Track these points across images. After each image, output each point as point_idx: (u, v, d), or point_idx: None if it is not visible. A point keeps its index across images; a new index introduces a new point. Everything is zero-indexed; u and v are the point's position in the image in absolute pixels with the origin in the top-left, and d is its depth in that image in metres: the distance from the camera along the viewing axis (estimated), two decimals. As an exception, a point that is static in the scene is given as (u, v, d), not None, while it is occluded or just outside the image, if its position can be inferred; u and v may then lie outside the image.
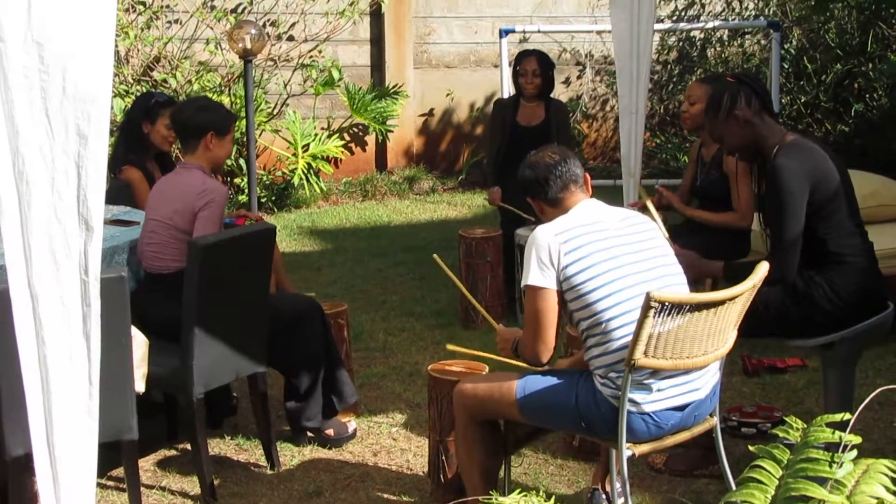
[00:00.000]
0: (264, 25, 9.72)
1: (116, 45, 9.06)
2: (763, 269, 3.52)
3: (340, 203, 9.92)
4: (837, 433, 1.97)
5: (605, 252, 3.45)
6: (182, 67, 9.34)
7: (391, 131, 10.38)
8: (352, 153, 10.58)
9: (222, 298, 4.25)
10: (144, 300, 4.63)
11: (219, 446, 4.78)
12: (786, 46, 10.45)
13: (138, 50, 9.35)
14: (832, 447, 2.00)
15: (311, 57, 9.98)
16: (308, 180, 9.68)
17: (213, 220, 4.49)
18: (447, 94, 10.85)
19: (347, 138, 10.51)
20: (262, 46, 8.67)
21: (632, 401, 3.37)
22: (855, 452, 1.94)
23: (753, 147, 4.23)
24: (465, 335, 6.11)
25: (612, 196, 4.39)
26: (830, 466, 1.88)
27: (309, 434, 4.76)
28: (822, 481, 1.90)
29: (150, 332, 4.45)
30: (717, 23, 10.51)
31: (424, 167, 10.61)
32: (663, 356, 3.33)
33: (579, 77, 11.33)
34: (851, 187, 4.19)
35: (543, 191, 3.60)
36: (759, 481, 1.89)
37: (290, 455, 4.69)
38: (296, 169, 9.62)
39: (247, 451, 4.74)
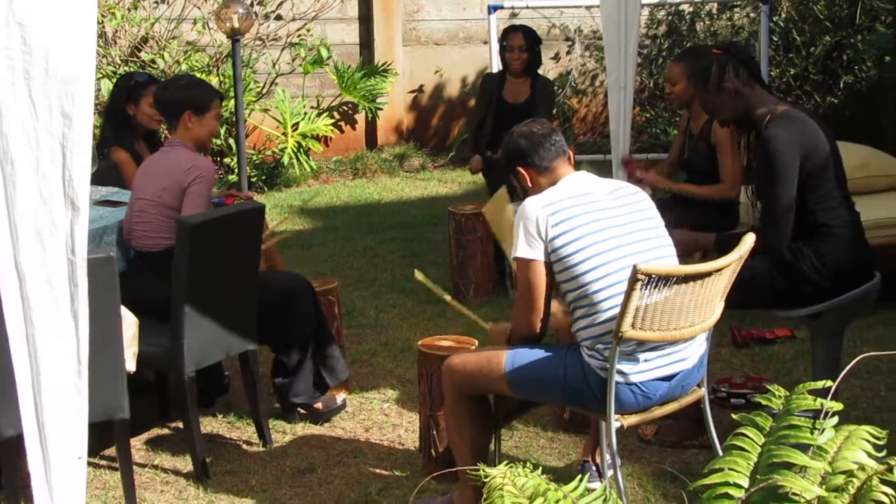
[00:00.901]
0: (252, 4, 9.70)
1: (104, 26, 9.06)
2: (750, 240, 3.54)
3: (331, 181, 9.92)
4: (819, 400, 1.99)
5: (594, 224, 3.46)
6: (170, 48, 9.31)
7: (381, 109, 10.37)
8: (342, 131, 10.58)
9: (211, 277, 4.26)
10: (135, 280, 4.64)
11: (211, 425, 4.79)
12: (774, 19, 10.45)
13: (125, 31, 9.32)
14: (816, 414, 2.02)
15: (299, 35, 9.96)
16: (298, 159, 9.68)
17: (201, 196, 4.50)
18: (436, 72, 10.84)
19: (337, 116, 10.51)
20: (250, 25, 8.65)
21: (620, 372, 3.39)
22: (836, 419, 1.96)
23: (746, 117, 4.24)
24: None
25: (602, 171, 4.40)
26: (812, 433, 1.90)
27: (300, 411, 4.78)
28: (804, 448, 1.92)
29: (141, 311, 4.46)
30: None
31: (414, 145, 10.61)
32: (650, 328, 3.35)
33: (569, 53, 11.33)
34: (840, 159, 4.21)
35: (536, 157, 3.60)
36: (742, 449, 1.92)
37: (283, 432, 4.71)
38: (285, 148, 9.62)
39: (239, 429, 4.76)
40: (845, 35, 9.97)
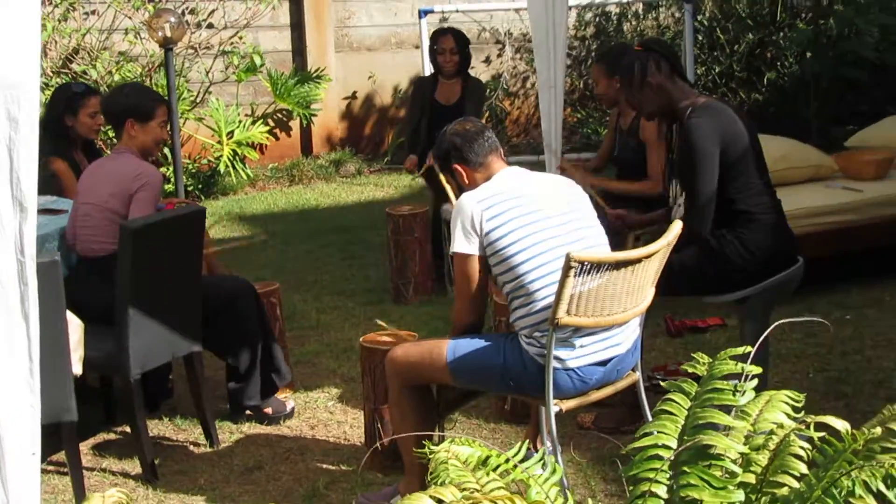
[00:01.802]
0: (183, 14, 9.73)
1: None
2: (677, 227, 3.67)
3: (268, 189, 9.98)
4: (739, 364, 2.12)
5: (527, 217, 3.58)
6: (102, 58, 9.32)
7: (315, 115, 10.44)
8: (277, 139, 10.64)
9: (155, 280, 4.32)
10: (79, 285, 4.68)
11: (157, 428, 4.85)
12: (699, 18, 10.69)
13: (56, 42, 9.31)
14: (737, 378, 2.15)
15: (231, 44, 10.01)
16: (234, 167, 9.72)
17: (148, 202, 4.56)
18: (369, 77, 10.95)
19: (272, 124, 10.57)
20: (182, 34, 8.67)
21: (557, 358, 3.51)
22: (756, 381, 2.09)
23: (669, 110, 4.39)
24: (396, 310, 6.23)
25: (535, 171, 4.52)
26: (734, 395, 2.03)
27: (248, 412, 4.86)
28: (727, 409, 2.04)
29: (86, 316, 4.50)
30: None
31: (350, 150, 10.70)
32: (585, 314, 3.47)
33: (499, 55, 11.48)
34: (760, 147, 4.37)
35: (471, 154, 3.72)
36: (670, 413, 2.04)
37: (229, 432, 4.78)
38: (221, 156, 9.66)
39: (185, 431, 4.82)
40: (767, 32, 10.22)
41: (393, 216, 6.42)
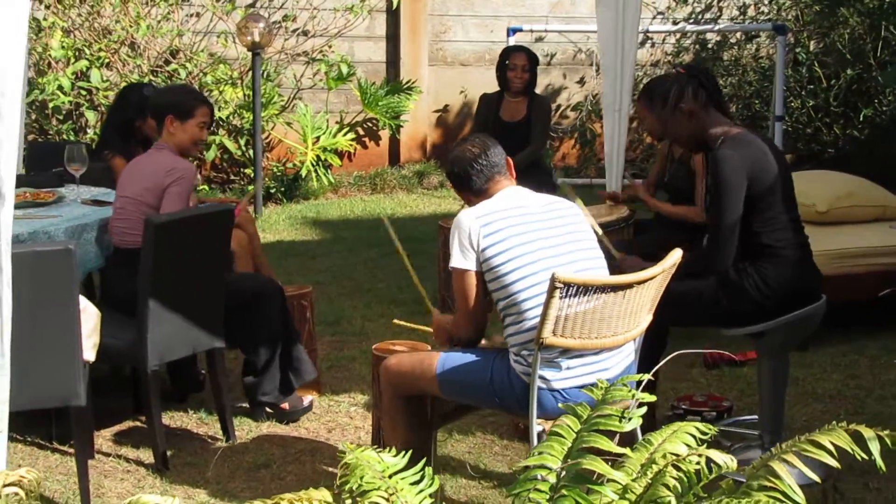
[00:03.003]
0: (282, 20, 9.94)
1: (132, 36, 9.32)
2: (676, 254, 3.63)
3: (349, 195, 10.10)
4: (632, 391, 2.10)
5: (523, 236, 3.59)
6: (196, 59, 9.56)
7: (402, 126, 10.55)
8: (365, 147, 10.77)
9: (178, 274, 4.43)
10: (111, 275, 4.85)
11: (181, 420, 4.97)
12: (797, 51, 10.50)
13: (154, 42, 9.57)
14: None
15: (322, 52, 10.17)
16: (317, 172, 9.87)
17: (180, 197, 4.69)
18: (461, 91, 11.01)
19: (361, 132, 10.70)
20: (271, 40, 8.90)
21: (542, 377, 3.51)
22: (645, 409, 2.07)
23: (699, 139, 4.34)
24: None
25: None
26: (620, 421, 2.01)
27: (268, 410, 4.94)
28: (612, 434, 2.03)
29: (114, 306, 4.67)
30: (721, 26, 10.58)
31: (435, 163, 10.77)
32: (571, 335, 3.46)
33: (595, 77, 11.43)
34: (790, 182, 4.29)
35: (468, 184, 3.76)
36: (560, 435, 2.03)
37: (248, 429, 4.86)
38: (305, 161, 9.82)
39: (207, 425, 4.92)
40: (867, 68, 9.99)
41: (444, 229, 6.46)
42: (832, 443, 1.90)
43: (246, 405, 5.01)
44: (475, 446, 4.65)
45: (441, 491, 4.14)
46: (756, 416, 4.53)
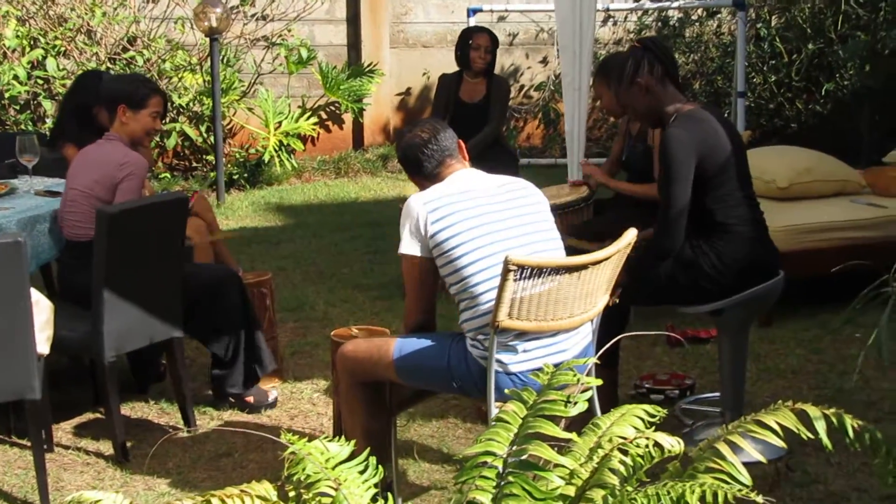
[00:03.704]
0: (239, 4, 9.85)
1: (89, 25, 9.21)
2: (630, 234, 3.62)
3: (312, 180, 10.05)
4: (577, 376, 2.08)
5: (475, 219, 3.56)
6: (154, 46, 9.46)
7: (364, 110, 10.50)
8: (328, 131, 10.71)
9: (133, 265, 4.38)
10: (65, 268, 4.80)
11: (142, 410, 4.93)
12: (759, 26, 10.51)
13: (110, 29, 9.46)
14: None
15: (281, 36, 10.09)
16: (280, 158, 9.81)
17: (132, 192, 4.64)
18: (423, 73, 10.96)
19: (324, 116, 10.64)
20: (228, 25, 8.82)
21: (499, 361, 3.48)
22: (590, 393, 2.05)
23: (656, 113, 4.31)
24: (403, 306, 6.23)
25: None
26: (565, 406, 1.99)
27: (231, 400, 4.91)
28: (557, 420, 2.01)
29: (69, 298, 4.63)
30: (682, 2, 10.57)
31: (395, 148, 10.70)
32: (527, 318, 3.44)
33: (558, 57, 11.40)
34: (744, 158, 4.27)
35: (420, 169, 3.73)
36: (506, 421, 2.01)
37: (209, 418, 4.84)
38: (267, 146, 9.75)
39: (168, 415, 4.88)
40: (827, 43, 10.00)
41: (405, 212, 6.41)
42: (778, 423, 1.89)
43: (208, 393, 4.97)
44: (438, 430, 4.64)
45: (402, 476, 4.13)
46: (718, 394, 4.52)
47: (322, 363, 5.45)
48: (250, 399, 4.88)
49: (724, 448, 1.84)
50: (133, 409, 4.92)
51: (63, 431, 4.71)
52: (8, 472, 4.34)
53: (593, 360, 2.28)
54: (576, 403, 1.98)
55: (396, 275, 6.84)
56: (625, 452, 1.91)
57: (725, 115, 8.30)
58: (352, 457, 2.09)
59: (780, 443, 1.92)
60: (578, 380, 2.05)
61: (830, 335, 5.58)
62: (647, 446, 1.97)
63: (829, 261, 5.72)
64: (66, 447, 4.56)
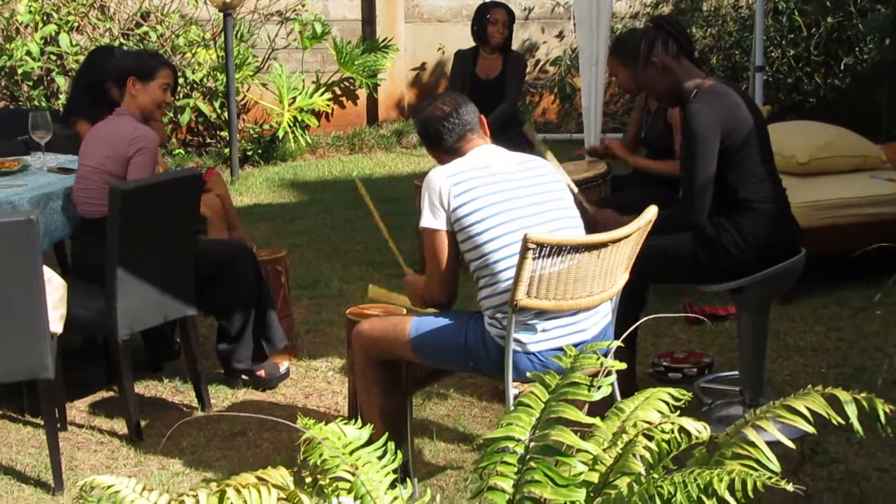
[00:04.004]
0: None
1: (102, 0, 9.14)
2: (651, 211, 3.56)
3: (327, 156, 9.99)
4: (600, 359, 2.03)
5: (496, 195, 3.51)
6: (168, 21, 9.40)
7: (378, 85, 10.43)
8: (343, 107, 10.65)
9: (146, 242, 4.33)
10: (78, 245, 4.77)
11: (156, 389, 4.90)
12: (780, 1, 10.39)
13: (124, 4, 9.40)
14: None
15: (294, 11, 10.02)
16: (294, 133, 9.75)
17: (145, 166, 4.59)
18: (439, 49, 10.87)
19: (338, 92, 10.57)
20: (242, 0, 8.75)
21: (517, 340, 3.44)
22: (614, 377, 2.00)
23: (674, 92, 4.25)
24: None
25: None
26: (589, 390, 1.94)
27: (243, 377, 4.87)
28: (581, 404, 1.96)
29: (81, 275, 4.59)
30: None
31: (414, 121, 10.65)
32: (546, 297, 3.39)
33: (574, 32, 11.30)
34: (766, 133, 4.21)
35: (440, 143, 3.67)
36: (528, 405, 1.96)
37: (223, 397, 4.80)
38: (281, 122, 9.70)
39: (182, 394, 4.85)
40: (847, 16, 9.89)
41: (421, 188, 6.35)
42: (807, 407, 1.83)
43: (222, 372, 4.94)
44: (454, 409, 4.59)
45: (418, 456, 4.09)
46: (737, 372, 4.47)
47: (337, 341, 5.41)
48: (261, 373, 4.84)
49: (752, 434, 1.79)
50: (147, 388, 4.89)
51: (77, 410, 4.68)
52: (21, 451, 4.32)
53: (617, 343, 2.22)
54: (599, 388, 1.93)
55: (411, 252, 6.80)
56: (650, 438, 1.86)
57: (743, 89, 8.22)
58: (370, 441, 2.04)
59: (810, 429, 1.87)
60: (602, 363, 2.00)
61: (850, 312, 5.51)
62: (672, 431, 1.92)
63: (849, 237, 5.70)
64: (80, 426, 4.53)
